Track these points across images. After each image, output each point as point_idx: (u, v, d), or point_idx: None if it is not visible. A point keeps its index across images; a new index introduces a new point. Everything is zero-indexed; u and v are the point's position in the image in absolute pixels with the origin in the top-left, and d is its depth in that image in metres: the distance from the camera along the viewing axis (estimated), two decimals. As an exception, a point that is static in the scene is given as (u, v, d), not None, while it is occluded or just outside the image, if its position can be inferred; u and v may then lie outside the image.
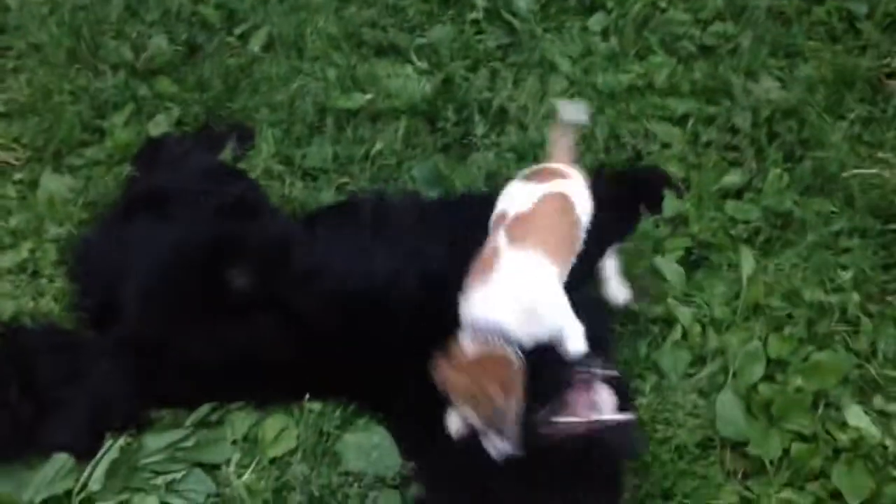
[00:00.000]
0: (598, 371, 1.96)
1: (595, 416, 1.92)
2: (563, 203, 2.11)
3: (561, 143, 2.36)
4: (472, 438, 1.95)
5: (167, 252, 2.40)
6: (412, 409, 2.22)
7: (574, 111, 2.44)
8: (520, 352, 1.87)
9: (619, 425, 1.94)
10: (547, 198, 2.09)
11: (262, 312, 2.29)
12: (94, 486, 2.16)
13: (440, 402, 1.98)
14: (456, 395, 1.87)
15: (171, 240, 2.43)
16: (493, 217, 2.14)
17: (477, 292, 1.94)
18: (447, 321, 2.00)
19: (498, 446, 1.88)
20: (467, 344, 1.88)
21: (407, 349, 2.16)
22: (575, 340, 1.97)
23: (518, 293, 1.93)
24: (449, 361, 1.87)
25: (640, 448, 2.10)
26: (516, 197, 2.13)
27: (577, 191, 2.17)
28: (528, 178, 2.21)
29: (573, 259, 2.10)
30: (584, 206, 2.17)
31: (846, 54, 3.22)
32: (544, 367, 1.92)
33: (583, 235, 2.16)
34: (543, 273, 1.98)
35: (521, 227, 2.02)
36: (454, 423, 2.06)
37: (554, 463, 1.93)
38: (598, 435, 1.91)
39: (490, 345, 1.86)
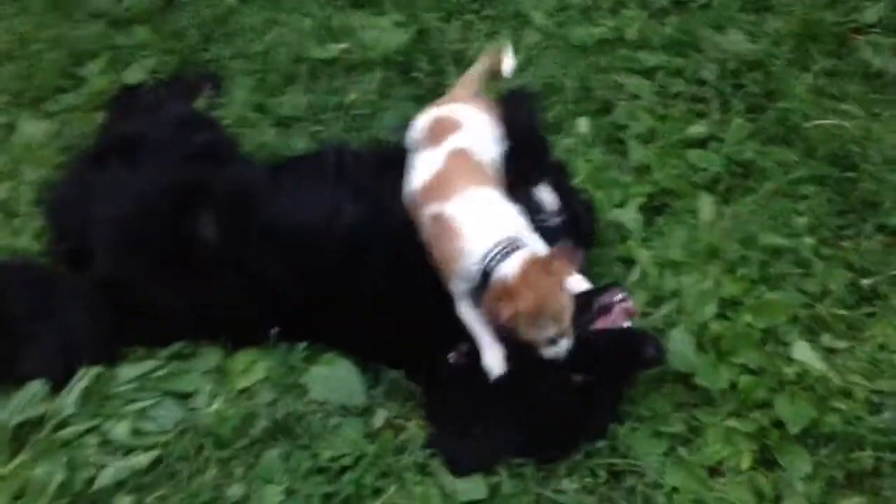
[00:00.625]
0: (620, 295, 2.19)
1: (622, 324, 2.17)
2: (465, 154, 2.20)
3: (473, 78, 2.51)
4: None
5: (136, 197, 2.43)
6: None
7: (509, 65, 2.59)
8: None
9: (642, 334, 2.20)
10: (450, 155, 2.18)
11: (225, 259, 2.34)
12: (67, 410, 2.22)
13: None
14: (521, 320, 1.93)
15: (139, 185, 2.46)
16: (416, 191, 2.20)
17: (468, 241, 2.02)
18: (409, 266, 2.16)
19: (562, 347, 2.00)
20: (506, 273, 1.96)
21: (367, 295, 2.26)
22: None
23: (492, 222, 2.05)
24: (500, 296, 1.94)
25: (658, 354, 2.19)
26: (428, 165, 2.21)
27: (469, 138, 2.24)
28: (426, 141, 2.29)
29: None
30: (482, 147, 2.26)
31: (815, 9, 3.26)
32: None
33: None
34: (495, 196, 2.13)
35: (462, 175, 2.13)
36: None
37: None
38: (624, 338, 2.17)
39: (525, 256, 1.97)
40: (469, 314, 2.14)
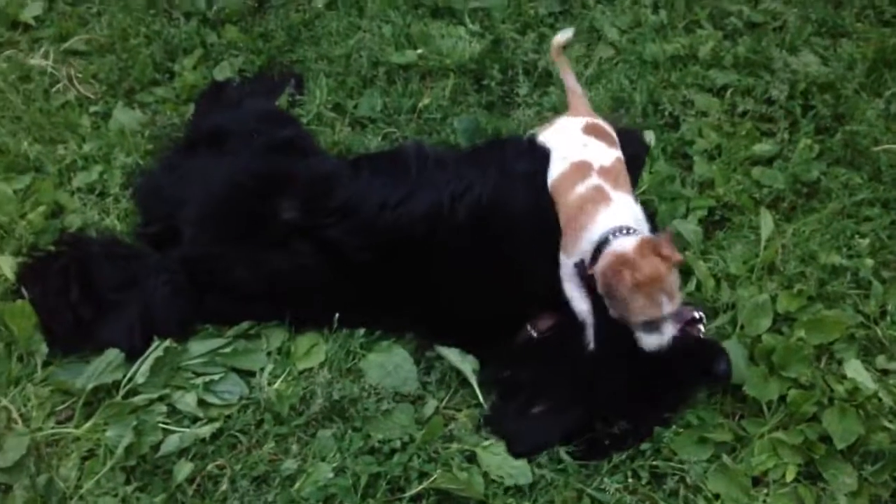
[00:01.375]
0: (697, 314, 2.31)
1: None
2: (623, 165, 2.43)
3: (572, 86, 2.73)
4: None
5: (223, 182, 2.60)
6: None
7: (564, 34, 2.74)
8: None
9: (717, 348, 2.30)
10: (619, 160, 2.43)
11: (304, 242, 2.47)
12: (140, 379, 2.37)
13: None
14: (641, 288, 2.06)
15: (226, 171, 2.63)
16: (569, 165, 2.38)
17: (603, 213, 2.23)
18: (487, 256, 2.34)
19: (667, 334, 2.12)
20: (624, 246, 2.12)
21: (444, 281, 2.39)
22: None
23: (636, 218, 2.26)
24: (621, 265, 2.07)
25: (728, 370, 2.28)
26: (595, 150, 2.41)
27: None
28: (595, 134, 2.48)
29: None
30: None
31: (891, 37, 3.24)
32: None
33: None
34: (643, 217, 2.33)
35: (611, 178, 2.33)
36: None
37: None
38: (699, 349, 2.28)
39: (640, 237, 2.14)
40: (575, 292, 2.28)
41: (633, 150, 2.66)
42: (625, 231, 2.15)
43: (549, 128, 2.61)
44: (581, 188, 2.30)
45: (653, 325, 2.11)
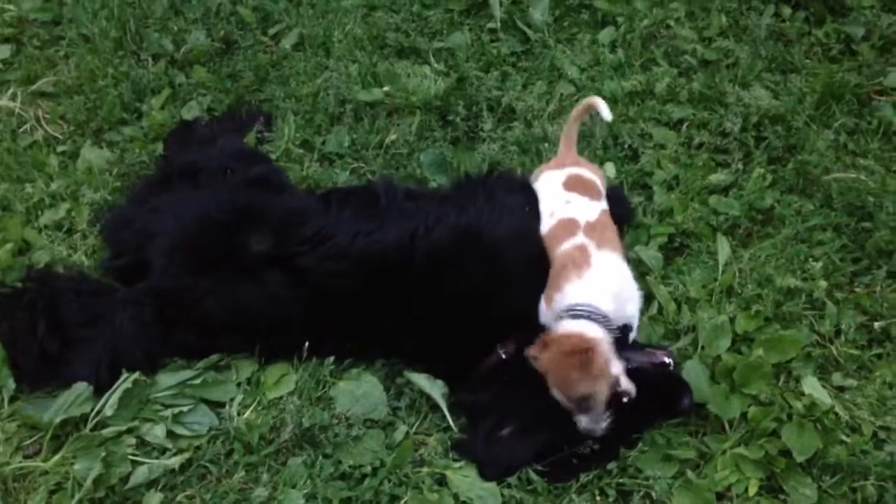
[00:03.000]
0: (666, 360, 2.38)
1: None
2: (609, 218, 2.50)
3: (571, 135, 2.76)
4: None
5: (195, 215, 2.63)
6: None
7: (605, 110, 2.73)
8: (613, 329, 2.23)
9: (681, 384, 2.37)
10: (603, 212, 2.49)
11: (275, 272, 2.49)
12: (108, 411, 2.37)
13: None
14: (549, 381, 2.16)
15: (198, 205, 2.66)
16: (556, 221, 2.46)
17: (573, 284, 2.27)
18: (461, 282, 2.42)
19: (585, 425, 2.18)
20: (560, 331, 2.19)
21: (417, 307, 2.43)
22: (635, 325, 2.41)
23: (613, 284, 2.29)
24: (541, 351, 2.16)
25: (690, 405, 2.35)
26: (578, 207, 2.47)
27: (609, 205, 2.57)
28: (576, 189, 2.53)
29: None
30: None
31: (839, 72, 3.39)
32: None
33: None
34: (626, 271, 2.40)
35: (597, 235, 2.38)
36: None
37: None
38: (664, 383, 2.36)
39: (581, 330, 2.17)
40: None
41: (620, 210, 2.72)
42: (576, 314, 2.21)
43: (535, 178, 2.69)
44: (567, 245, 2.37)
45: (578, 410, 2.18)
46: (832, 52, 3.57)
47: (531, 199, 2.59)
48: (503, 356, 2.39)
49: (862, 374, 2.49)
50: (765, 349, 2.43)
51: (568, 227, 2.41)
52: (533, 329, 2.34)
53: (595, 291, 2.25)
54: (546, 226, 2.48)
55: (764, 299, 2.61)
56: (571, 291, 2.26)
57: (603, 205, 2.52)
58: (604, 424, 2.18)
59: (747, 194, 2.93)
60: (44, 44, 3.66)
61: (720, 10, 3.70)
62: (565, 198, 2.50)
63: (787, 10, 3.70)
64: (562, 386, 2.13)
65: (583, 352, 2.10)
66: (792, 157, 3.08)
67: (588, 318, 2.19)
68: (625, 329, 2.32)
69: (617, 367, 2.18)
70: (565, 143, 2.76)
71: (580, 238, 2.37)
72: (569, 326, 2.19)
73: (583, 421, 2.17)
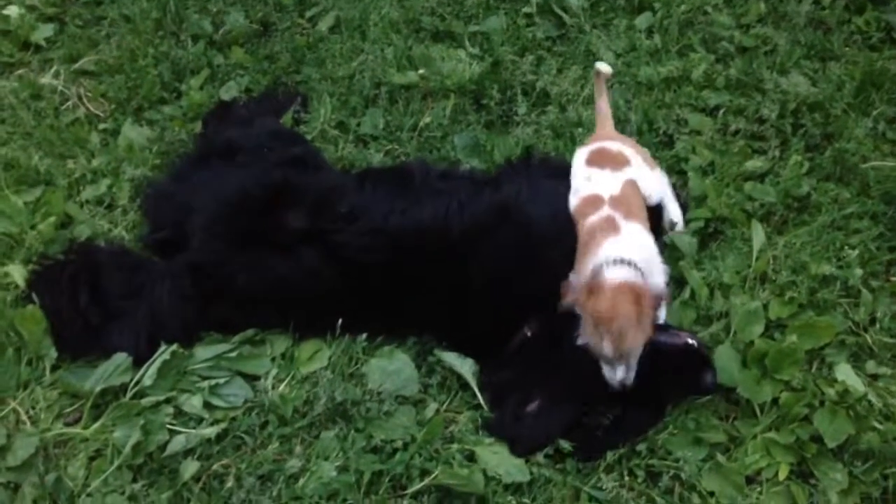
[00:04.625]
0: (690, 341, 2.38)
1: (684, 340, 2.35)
2: (636, 186, 2.50)
3: (600, 110, 2.77)
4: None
5: (234, 191, 2.68)
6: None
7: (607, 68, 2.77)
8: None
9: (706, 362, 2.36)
10: (627, 182, 2.47)
11: (311, 248, 2.53)
12: (147, 381, 2.42)
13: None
14: (593, 327, 2.14)
15: (238, 182, 2.71)
16: (580, 199, 2.46)
17: (609, 241, 2.28)
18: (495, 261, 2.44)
19: (618, 375, 2.17)
20: (606, 277, 2.17)
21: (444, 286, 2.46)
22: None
23: (642, 252, 2.29)
24: (588, 296, 2.15)
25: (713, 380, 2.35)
26: (600, 181, 2.47)
27: (639, 173, 2.54)
28: (597, 163, 2.53)
29: None
30: (645, 185, 2.54)
31: (879, 60, 3.35)
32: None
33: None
34: (652, 243, 2.39)
35: (622, 207, 2.38)
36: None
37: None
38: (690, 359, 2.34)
39: (629, 278, 2.16)
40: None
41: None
42: (620, 262, 2.20)
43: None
44: (594, 217, 2.38)
45: (605, 359, 2.17)
46: (872, 41, 3.53)
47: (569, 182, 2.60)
48: (528, 335, 2.41)
49: (897, 363, 2.48)
50: (798, 335, 2.42)
51: (593, 202, 2.41)
52: (557, 310, 2.36)
53: (630, 250, 2.25)
54: (572, 204, 2.48)
55: (798, 286, 2.60)
56: (608, 247, 2.26)
57: (627, 175, 2.49)
58: (632, 374, 2.17)
59: (783, 181, 2.91)
60: (86, 23, 3.72)
61: (759, -3, 3.67)
62: (586, 174, 2.51)
63: (826, -2, 3.67)
64: (609, 332, 2.10)
65: (636, 299, 2.10)
66: (829, 144, 3.05)
67: (632, 266, 2.19)
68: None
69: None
70: (598, 120, 2.77)
71: (606, 210, 2.37)
72: (616, 273, 2.17)
73: (618, 372, 2.16)
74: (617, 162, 2.53)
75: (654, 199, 2.59)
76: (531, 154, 2.95)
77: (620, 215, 2.36)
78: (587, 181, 2.49)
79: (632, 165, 2.53)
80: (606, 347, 2.12)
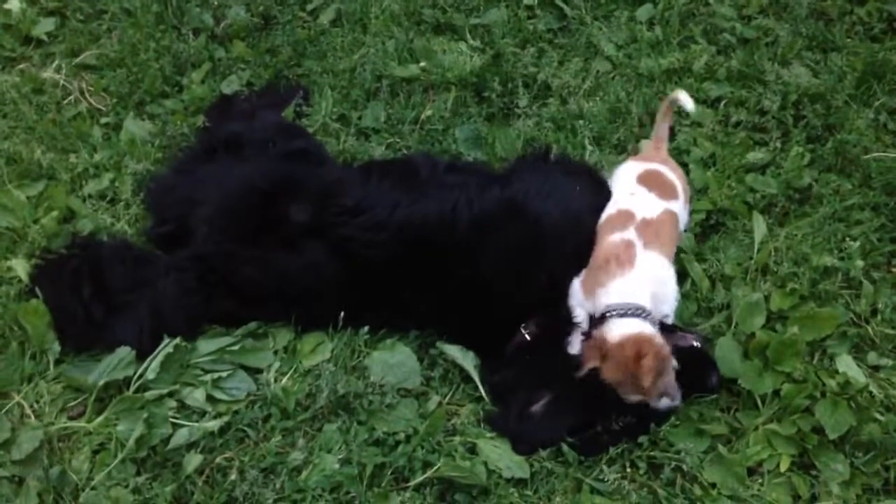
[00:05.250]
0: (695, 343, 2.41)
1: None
2: (675, 220, 2.51)
3: (661, 134, 2.76)
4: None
5: (238, 184, 2.68)
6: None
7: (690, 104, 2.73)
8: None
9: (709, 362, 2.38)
10: (667, 212, 2.46)
11: (314, 242, 2.54)
12: (150, 375, 2.43)
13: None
14: (619, 387, 2.19)
15: (242, 175, 2.71)
16: (615, 210, 2.47)
17: (616, 281, 2.28)
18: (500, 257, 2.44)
19: (665, 405, 2.22)
20: (610, 332, 2.21)
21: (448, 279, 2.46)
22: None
23: (653, 285, 2.30)
24: (602, 361, 2.18)
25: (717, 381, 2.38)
26: (641, 201, 2.47)
27: (682, 209, 2.57)
28: (647, 184, 2.53)
29: None
30: (683, 221, 2.58)
31: (881, 51, 3.34)
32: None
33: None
34: (669, 273, 2.40)
35: (650, 232, 2.37)
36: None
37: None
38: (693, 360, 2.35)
39: (637, 330, 2.19)
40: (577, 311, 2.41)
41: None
42: (625, 313, 2.23)
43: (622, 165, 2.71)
44: (615, 238, 2.38)
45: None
46: (874, 31, 3.52)
47: (586, 183, 2.60)
48: (527, 336, 2.41)
49: (898, 354, 2.49)
50: (800, 326, 2.42)
51: (623, 218, 2.42)
52: (557, 310, 2.39)
53: (636, 291, 2.27)
54: (606, 213, 2.49)
55: (800, 277, 2.60)
56: (615, 289, 2.27)
57: (673, 206, 2.50)
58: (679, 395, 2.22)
59: (785, 173, 2.91)
60: (87, 17, 3.72)
61: (760, -12, 3.67)
62: (631, 189, 2.51)
63: (828, -11, 3.66)
64: (635, 389, 2.16)
65: (651, 354, 2.13)
66: (831, 136, 3.05)
67: (638, 316, 2.21)
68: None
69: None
70: (655, 141, 2.75)
71: (630, 233, 2.37)
72: (622, 328, 2.20)
73: (662, 403, 2.21)
74: (666, 190, 2.52)
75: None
76: (548, 151, 2.94)
77: (642, 243, 2.35)
78: (630, 196, 2.49)
79: (678, 200, 2.54)
80: (633, 397, 2.20)
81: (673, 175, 2.59)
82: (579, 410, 2.32)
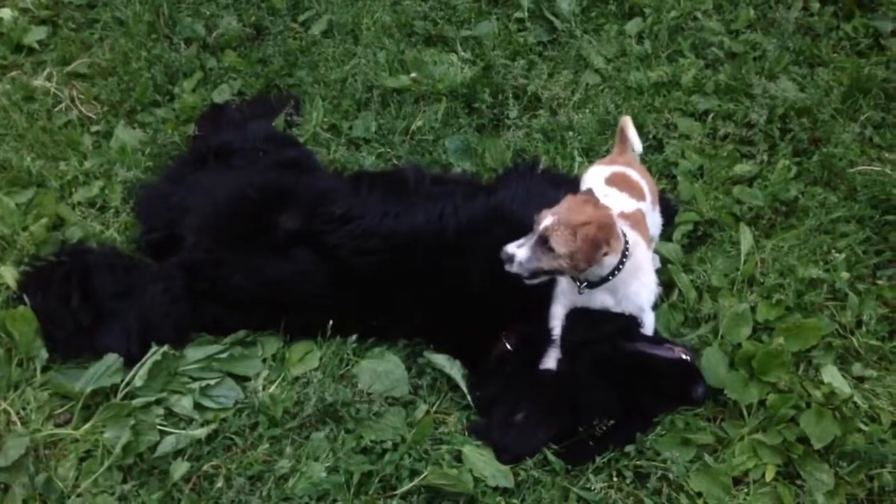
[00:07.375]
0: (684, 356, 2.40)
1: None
2: (643, 217, 2.51)
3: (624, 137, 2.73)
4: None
5: (229, 192, 2.69)
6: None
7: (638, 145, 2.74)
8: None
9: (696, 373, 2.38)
10: (639, 210, 2.50)
11: (304, 250, 2.55)
12: (138, 382, 2.42)
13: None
14: (560, 230, 2.18)
15: (232, 183, 2.73)
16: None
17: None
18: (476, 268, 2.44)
19: (519, 257, 2.22)
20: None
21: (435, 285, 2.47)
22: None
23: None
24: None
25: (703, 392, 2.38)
26: (619, 200, 2.49)
27: (648, 210, 2.57)
28: (618, 185, 2.54)
29: None
30: (650, 222, 2.57)
31: (867, 66, 3.38)
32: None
33: None
34: (648, 260, 2.44)
35: (629, 222, 2.41)
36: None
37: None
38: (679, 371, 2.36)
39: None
40: (558, 314, 2.41)
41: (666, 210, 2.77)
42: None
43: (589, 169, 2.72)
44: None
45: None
46: (860, 47, 3.57)
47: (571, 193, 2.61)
48: (509, 347, 2.43)
49: (882, 364, 2.51)
50: (785, 337, 2.44)
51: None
52: (538, 321, 2.42)
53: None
54: None
55: (786, 289, 2.62)
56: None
57: (643, 206, 2.51)
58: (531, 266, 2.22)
59: (771, 185, 2.94)
60: (79, 26, 3.74)
61: (748, 4, 3.73)
62: (603, 192, 2.51)
63: (815, 5, 3.72)
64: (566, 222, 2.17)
65: (603, 218, 2.18)
66: (817, 149, 3.09)
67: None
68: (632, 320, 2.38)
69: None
70: (619, 144, 2.76)
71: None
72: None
73: (518, 254, 2.21)
74: (635, 191, 2.54)
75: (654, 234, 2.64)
76: (537, 162, 2.97)
77: (627, 226, 2.37)
78: (604, 197, 2.49)
79: (646, 201, 2.55)
80: (544, 224, 2.23)
81: (639, 177, 2.61)
82: (559, 417, 2.32)
